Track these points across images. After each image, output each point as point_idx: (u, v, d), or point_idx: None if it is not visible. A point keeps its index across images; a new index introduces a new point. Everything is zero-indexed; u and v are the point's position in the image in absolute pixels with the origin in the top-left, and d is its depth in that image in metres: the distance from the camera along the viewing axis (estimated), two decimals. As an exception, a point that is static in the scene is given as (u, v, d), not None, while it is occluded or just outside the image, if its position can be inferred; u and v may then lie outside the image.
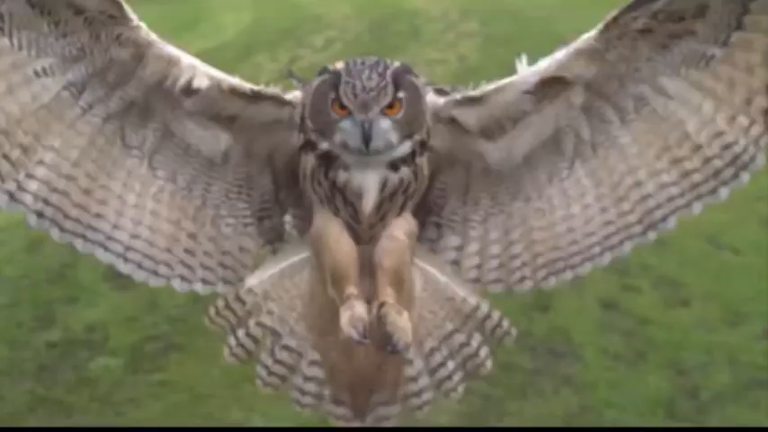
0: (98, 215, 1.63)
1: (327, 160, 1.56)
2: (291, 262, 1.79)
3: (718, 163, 1.61)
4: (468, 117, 1.63)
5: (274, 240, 1.77)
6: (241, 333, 1.78)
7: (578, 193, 1.69)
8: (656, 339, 3.04)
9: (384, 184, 1.57)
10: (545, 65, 1.57)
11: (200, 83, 1.57)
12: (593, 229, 1.72)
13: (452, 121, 1.65)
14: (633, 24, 1.52)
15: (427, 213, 1.75)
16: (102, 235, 1.64)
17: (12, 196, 1.58)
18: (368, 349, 1.66)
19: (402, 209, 1.63)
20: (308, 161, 1.60)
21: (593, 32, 1.53)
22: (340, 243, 1.63)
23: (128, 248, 1.66)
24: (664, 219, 1.70)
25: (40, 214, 1.61)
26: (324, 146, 1.56)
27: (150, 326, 3.16)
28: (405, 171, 1.58)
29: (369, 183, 1.57)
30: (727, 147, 1.59)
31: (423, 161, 1.61)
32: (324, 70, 1.58)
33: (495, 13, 7.56)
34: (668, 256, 3.51)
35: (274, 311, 1.79)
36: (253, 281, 1.78)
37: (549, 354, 2.93)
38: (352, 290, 1.60)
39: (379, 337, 1.55)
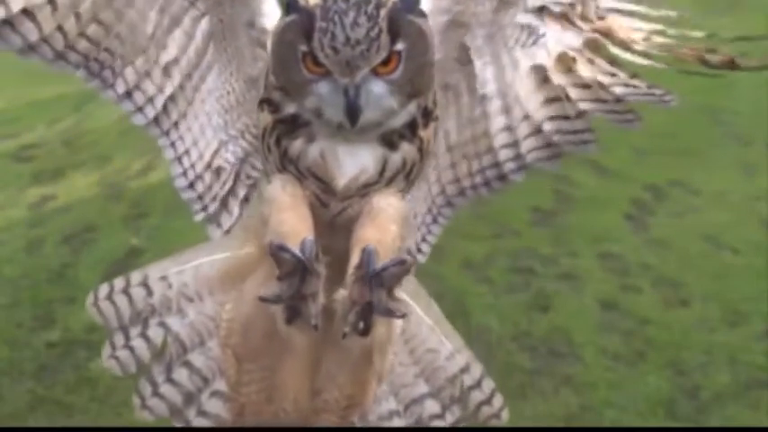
0: (184, 115, 1.44)
1: (292, 126, 1.20)
2: (227, 256, 1.37)
3: (489, 158, 1.42)
4: None
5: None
6: (134, 332, 1.36)
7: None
8: (656, 339, 3.03)
9: (383, 167, 1.21)
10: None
11: None
12: (443, 175, 1.48)
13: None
14: None
15: None
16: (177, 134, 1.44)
17: (128, 95, 1.42)
18: (299, 391, 1.29)
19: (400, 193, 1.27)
20: (264, 119, 1.24)
21: None
22: (296, 203, 1.21)
23: (186, 152, 1.45)
24: (472, 188, 1.46)
25: (140, 109, 1.43)
26: (290, 109, 1.19)
27: (150, 326, 3.15)
28: (407, 149, 1.21)
29: (352, 160, 1.20)
30: (505, 146, 1.41)
31: (429, 134, 1.23)
32: (292, 4, 1.16)
33: (495, 13, 7.54)
34: (668, 256, 3.51)
35: (188, 314, 1.35)
36: (170, 267, 1.38)
37: (549, 354, 2.93)
38: None
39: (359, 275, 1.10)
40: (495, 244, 3.55)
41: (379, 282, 1.09)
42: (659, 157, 4.33)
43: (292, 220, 1.19)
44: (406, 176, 1.24)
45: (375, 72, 1.13)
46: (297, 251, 1.10)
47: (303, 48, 1.12)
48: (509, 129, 1.40)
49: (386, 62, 1.13)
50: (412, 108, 1.19)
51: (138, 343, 1.37)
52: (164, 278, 1.36)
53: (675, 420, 2.66)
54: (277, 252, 1.11)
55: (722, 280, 3.38)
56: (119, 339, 1.38)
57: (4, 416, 2.66)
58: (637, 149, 4.30)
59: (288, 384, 1.30)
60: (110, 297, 1.38)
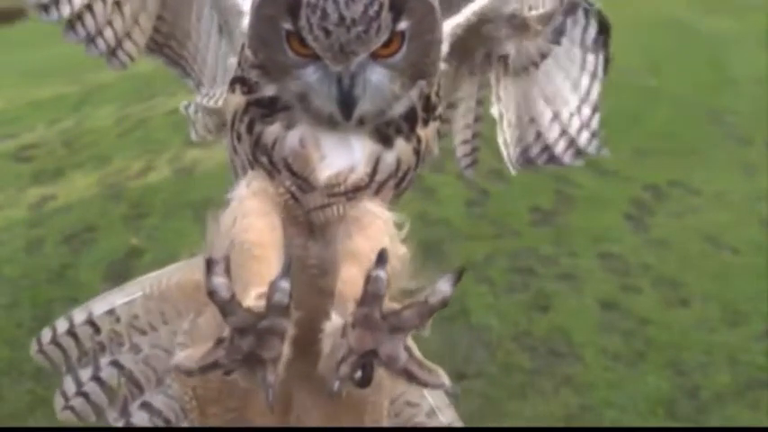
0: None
1: (270, 109, 0.99)
2: (182, 279, 1.15)
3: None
4: None
5: None
6: (85, 375, 1.21)
7: None
8: (656, 339, 3.03)
9: (375, 168, 0.99)
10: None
11: None
12: None
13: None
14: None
15: None
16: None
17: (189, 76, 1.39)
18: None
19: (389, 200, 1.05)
20: (234, 102, 1.02)
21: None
22: (265, 208, 0.98)
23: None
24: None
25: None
26: (269, 91, 0.98)
27: (150, 326, 3.15)
28: (403, 148, 1.00)
29: (339, 152, 0.98)
30: (465, 141, 1.39)
31: (428, 134, 1.03)
32: None
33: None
34: (668, 256, 3.51)
35: (142, 349, 1.17)
36: (118, 298, 1.22)
37: (549, 354, 2.92)
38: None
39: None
40: (495, 244, 3.55)
41: (395, 324, 0.82)
42: (659, 157, 4.33)
43: (259, 228, 0.96)
44: (397, 185, 1.03)
45: (374, 56, 0.92)
46: (247, 308, 0.80)
47: (287, 26, 0.91)
48: (467, 126, 1.40)
49: (387, 44, 0.92)
50: (414, 94, 0.99)
51: (91, 388, 1.21)
52: (110, 312, 1.21)
53: (675, 420, 2.66)
54: (216, 293, 0.79)
55: (722, 280, 3.38)
56: (69, 387, 1.23)
57: (4, 416, 2.65)
58: (637, 149, 4.30)
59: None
60: (54, 342, 1.24)
